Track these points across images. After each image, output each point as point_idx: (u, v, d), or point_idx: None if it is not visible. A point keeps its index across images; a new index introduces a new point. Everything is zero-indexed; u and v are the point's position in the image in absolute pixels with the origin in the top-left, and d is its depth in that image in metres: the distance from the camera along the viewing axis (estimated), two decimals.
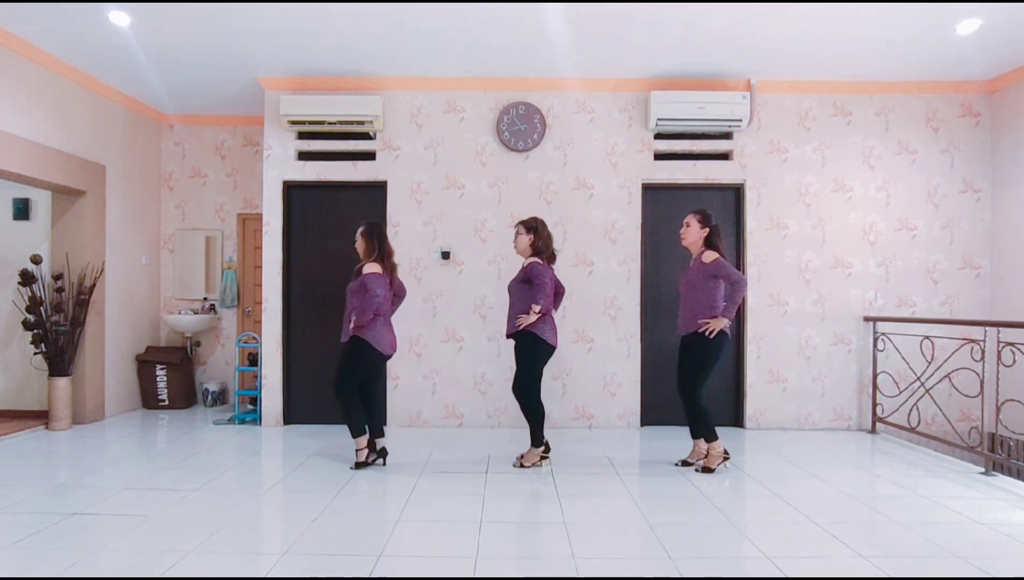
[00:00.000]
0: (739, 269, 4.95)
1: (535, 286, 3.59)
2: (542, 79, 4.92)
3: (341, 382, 3.62)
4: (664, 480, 3.54)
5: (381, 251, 3.65)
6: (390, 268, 3.68)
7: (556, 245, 4.82)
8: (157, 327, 5.88)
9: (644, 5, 3.76)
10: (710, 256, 3.56)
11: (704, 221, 3.64)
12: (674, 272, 4.98)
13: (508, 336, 3.74)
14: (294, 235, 5.05)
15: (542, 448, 3.72)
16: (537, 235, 3.73)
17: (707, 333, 3.50)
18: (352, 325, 3.58)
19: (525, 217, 4.85)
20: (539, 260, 3.69)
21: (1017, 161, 4.70)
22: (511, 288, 3.75)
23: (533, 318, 3.58)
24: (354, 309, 3.59)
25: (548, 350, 3.67)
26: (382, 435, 3.83)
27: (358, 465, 3.68)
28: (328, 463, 3.81)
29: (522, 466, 3.72)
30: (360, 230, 3.71)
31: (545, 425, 4.51)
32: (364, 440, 3.69)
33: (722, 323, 3.50)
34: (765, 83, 4.92)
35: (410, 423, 4.95)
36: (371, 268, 3.59)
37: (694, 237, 3.66)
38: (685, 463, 3.80)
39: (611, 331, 4.93)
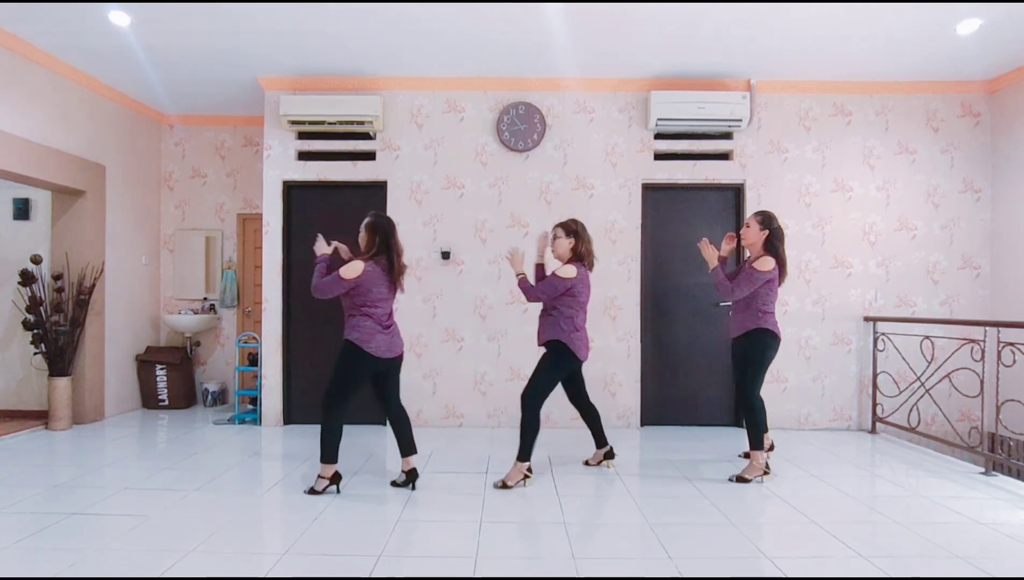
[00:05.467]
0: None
1: (544, 286, 3.36)
2: (542, 79, 4.92)
3: (330, 389, 3.20)
4: (664, 480, 3.54)
5: (383, 246, 3.25)
6: (397, 268, 3.27)
7: None
8: (157, 327, 5.88)
9: (644, 5, 3.76)
10: (766, 264, 3.43)
11: (763, 223, 3.51)
12: (674, 272, 5.00)
13: (542, 344, 3.47)
14: (294, 235, 5.04)
15: (527, 464, 3.42)
16: (579, 239, 3.43)
17: (700, 245, 3.57)
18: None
19: (526, 217, 4.91)
20: (572, 269, 3.36)
21: (1017, 161, 4.70)
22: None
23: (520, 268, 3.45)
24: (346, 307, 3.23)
25: (575, 364, 3.47)
26: (415, 451, 3.40)
27: (313, 491, 3.24)
28: None
29: (505, 486, 3.35)
30: (364, 222, 3.31)
31: (545, 425, 4.58)
32: (332, 469, 3.26)
33: (710, 250, 3.53)
34: (765, 83, 4.92)
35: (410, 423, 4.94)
36: (347, 271, 3.14)
37: (754, 238, 3.54)
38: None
39: (611, 331, 4.93)
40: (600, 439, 3.74)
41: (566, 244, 3.44)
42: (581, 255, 3.43)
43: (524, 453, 3.39)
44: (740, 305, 3.58)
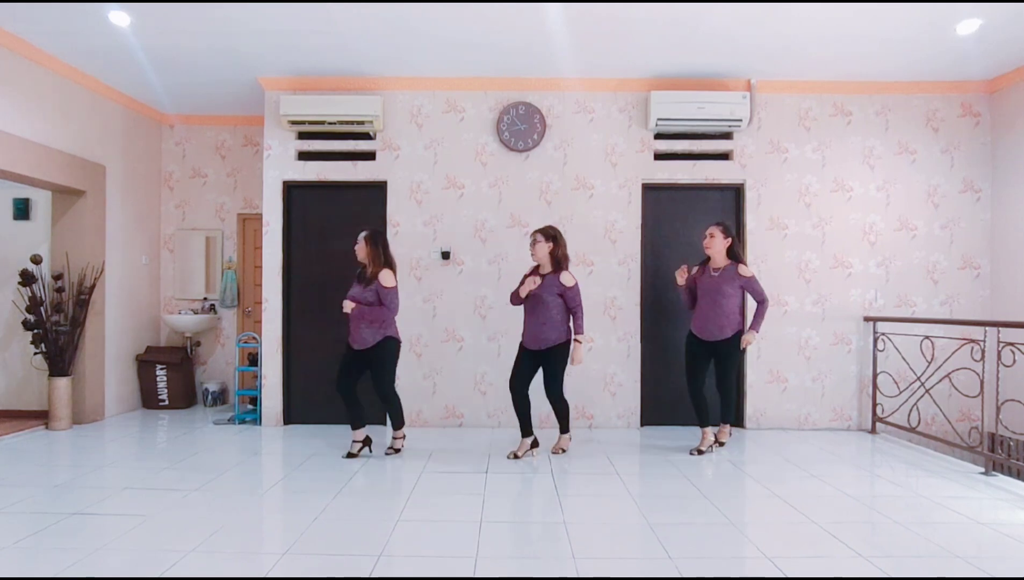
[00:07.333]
0: None
1: (577, 308, 3.87)
2: (542, 79, 4.92)
3: (391, 383, 3.98)
4: (664, 480, 3.54)
5: (387, 258, 3.91)
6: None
7: None
8: (157, 327, 5.88)
9: (644, 5, 3.76)
10: (748, 270, 3.99)
11: (726, 232, 4.03)
12: (674, 272, 4.99)
13: (552, 346, 3.86)
14: (294, 235, 5.05)
15: (570, 434, 4.14)
16: (557, 244, 3.86)
17: (743, 347, 4.03)
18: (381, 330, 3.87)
19: (526, 217, 4.92)
20: (571, 277, 3.87)
21: (1017, 161, 4.70)
22: (542, 297, 3.83)
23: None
24: (374, 316, 3.82)
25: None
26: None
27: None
28: (328, 463, 3.81)
29: (563, 451, 4.04)
30: (364, 236, 3.91)
31: (546, 424, 4.63)
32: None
33: (756, 338, 4.16)
34: (765, 83, 4.92)
35: (410, 423, 4.94)
36: (388, 280, 3.83)
37: (719, 247, 4.02)
38: (699, 451, 4.12)
39: (611, 331, 4.93)
40: (527, 429, 4.04)
41: (545, 248, 3.86)
42: (559, 258, 3.86)
43: (567, 427, 4.06)
44: (717, 309, 3.98)
